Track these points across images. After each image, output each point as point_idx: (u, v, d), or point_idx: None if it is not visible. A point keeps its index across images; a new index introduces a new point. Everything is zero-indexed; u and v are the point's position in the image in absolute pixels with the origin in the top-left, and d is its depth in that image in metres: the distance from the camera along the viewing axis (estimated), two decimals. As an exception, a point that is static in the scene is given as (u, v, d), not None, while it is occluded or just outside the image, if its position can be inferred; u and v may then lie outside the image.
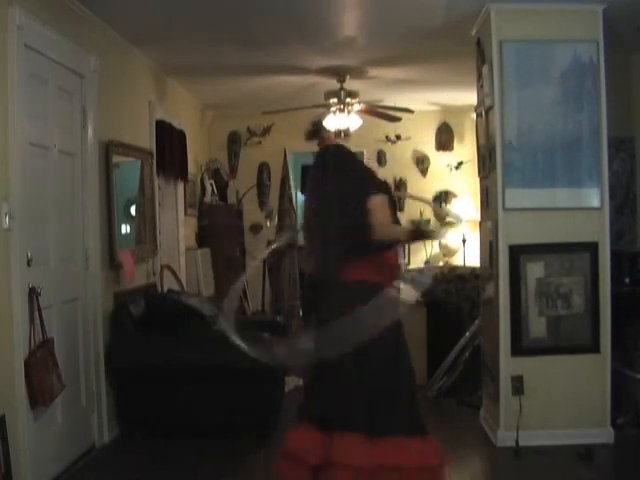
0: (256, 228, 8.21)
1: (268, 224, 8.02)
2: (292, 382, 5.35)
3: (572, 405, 4.25)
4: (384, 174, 8.17)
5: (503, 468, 4.05)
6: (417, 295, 2.97)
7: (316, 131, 7.35)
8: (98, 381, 4.34)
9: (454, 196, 8.17)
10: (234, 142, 8.28)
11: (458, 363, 5.35)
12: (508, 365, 4.29)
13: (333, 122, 6.56)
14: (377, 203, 3.15)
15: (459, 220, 6.60)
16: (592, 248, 4.27)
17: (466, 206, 7.82)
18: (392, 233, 3.19)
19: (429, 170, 8.27)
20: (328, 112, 6.54)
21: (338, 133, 6.73)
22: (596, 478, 3.83)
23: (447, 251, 8.11)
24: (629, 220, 5.37)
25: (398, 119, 6.96)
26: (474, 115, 5.07)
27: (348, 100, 6.40)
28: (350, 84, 6.29)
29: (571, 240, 4.28)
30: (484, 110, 4.55)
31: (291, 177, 7.36)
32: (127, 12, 4.31)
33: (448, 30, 4.71)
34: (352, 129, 6.69)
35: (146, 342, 4.51)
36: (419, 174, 8.28)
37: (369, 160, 7.89)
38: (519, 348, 4.28)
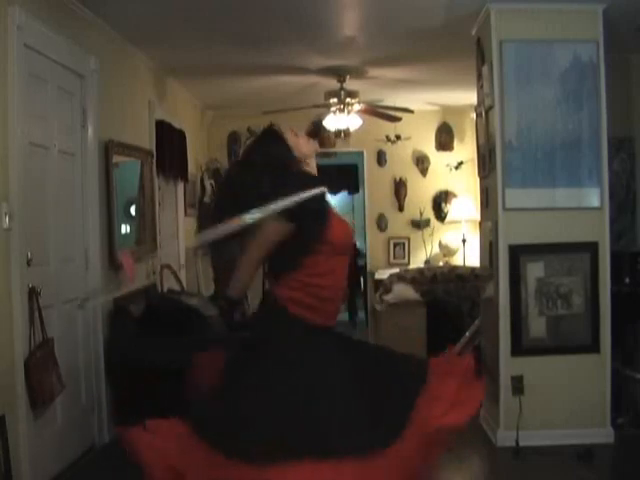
0: (256, 228, 8.19)
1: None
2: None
3: (572, 405, 4.25)
4: (384, 174, 8.24)
5: (503, 468, 4.05)
6: None
7: (316, 131, 7.34)
8: (98, 381, 4.34)
9: (454, 196, 8.16)
10: (234, 142, 8.27)
11: (458, 363, 5.34)
12: (508, 365, 4.29)
13: (333, 122, 6.56)
14: None
15: None
16: (592, 248, 4.27)
17: (466, 206, 7.83)
18: None
19: (429, 170, 8.27)
20: (328, 112, 6.54)
21: (338, 133, 6.74)
22: (596, 478, 3.82)
23: (447, 251, 8.11)
24: (629, 220, 5.37)
25: (398, 119, 6.95)
26: (474, 115, 5.07)
27: (348, 100, 6.40)
28: (350, 84, 6.28)
29: (571, 240, 4.28)
30: (484, 110, 4.55)
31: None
32: (127, 12, 4.31)
33: (448, 30, 4.72)
34: (352, 129, 6.68)
35: (146, 342, 4.50)
36: (419, 174, 8.28)
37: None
38: (519, 348, 4.28)
